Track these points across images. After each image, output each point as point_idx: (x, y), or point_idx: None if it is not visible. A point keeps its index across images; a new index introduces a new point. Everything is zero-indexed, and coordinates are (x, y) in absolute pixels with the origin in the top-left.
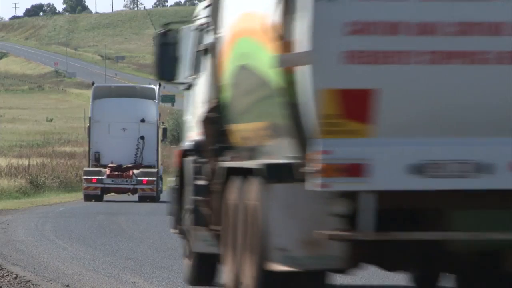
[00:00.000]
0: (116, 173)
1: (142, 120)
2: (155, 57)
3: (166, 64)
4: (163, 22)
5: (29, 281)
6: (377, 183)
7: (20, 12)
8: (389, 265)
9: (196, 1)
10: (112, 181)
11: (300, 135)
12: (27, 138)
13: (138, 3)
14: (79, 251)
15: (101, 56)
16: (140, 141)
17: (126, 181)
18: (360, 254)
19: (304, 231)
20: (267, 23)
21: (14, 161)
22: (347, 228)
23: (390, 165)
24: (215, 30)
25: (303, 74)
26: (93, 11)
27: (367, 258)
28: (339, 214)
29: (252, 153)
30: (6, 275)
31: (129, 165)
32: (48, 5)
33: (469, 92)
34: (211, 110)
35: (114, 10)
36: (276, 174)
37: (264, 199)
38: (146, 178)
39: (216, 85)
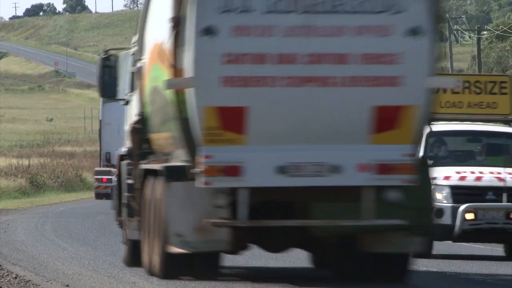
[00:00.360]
0: None
1: None
2: (98, 77)
3: (107, 83)
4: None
5: (29, 281)
6: (249, 181)
7: (20, 12)
8: (268, 247)
9: None
10: None
11: (190, 143)
12: (27, 138)
13: (138, 3)
14: (79, 251)
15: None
16: None
17: None
18: (241, 237)
19: (195, 220)
20: (166, 53)
21: (14, 161)
22: (227, 217)
23: (259, 166)
24: (140, 56)
25: (190, 95)
26: (93, 11)
27: (248, 241)
28: (221, 206)
29: (164, 157)
30: (6, 275)
31: None
32: (48, 5)
33: (321, 109)
34: (137, 122)
35: (114, 10)
36: (173, 174)
37: (165, 195)
38: None
39: (141, 102)
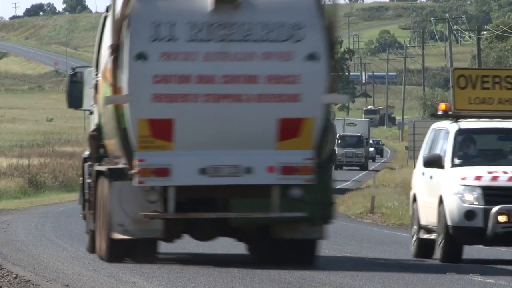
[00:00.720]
0: None
1: None
2: (66, 91)
3: (74, 96)
4: None
5: (29, 281)
6: (176, 180)
7: (20, 12)
8: (197, 236)
9: None
10: None
11: (127, 149)
12: (27, 138)
13: None
14: (79, 251)
15: None
16: None
17: None
18: (172, 227)
19: (133, 212)
20: (108, 73)
21: (14, 161)
22: (159, 210)
23: (184, 168)
24: (96, 74)
25: (126, 109)
26: (93, 11)
27: (179, 230)
28: (153, 201)
29: (115, 160)
30: (6, 275)
31: None
32: (48, 4)
33: (235, 120)
34: (94, 130)
35: None
36: (115, 175)
37: (109, 191)
38: None
39: (98, 113)
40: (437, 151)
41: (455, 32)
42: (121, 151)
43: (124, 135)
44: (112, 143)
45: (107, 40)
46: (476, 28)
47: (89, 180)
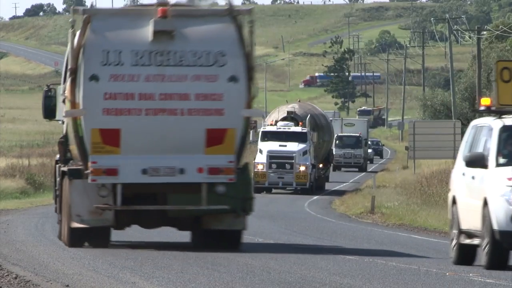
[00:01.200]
0: None
1: None
2: (42, 104)
3: (49, 108)
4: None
5: (29, 281)
6: (122, 179)
7: (20, 12)
8: (142, 225)
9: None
10: None
11: (84, 153)
12: (27, 138)
13: (138, 3)
14: (79, 251)
15: None
16: None
17: None
18: (121, 218)
19: (89, 205)
20: (68, 91)
21: (14, 161)
22: (109, 203)
23: (129, 169)
24: (64, 91)
25: (82, 121)
26: None
27: (127, 220)
28: (104, 196)
29: (78, 162)
30: (6, 275)
31: None
32: (48, 5)
33: (171, 130)
34: (62, 137)
35: None
36: (74, 174)
37: (69, 188)
38: None
39: (65, 122)
40: (479, 149)
41: (455, 32)
42: (79, 154)
43: (81, 141)
44: (74, 148)
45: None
46: (476, 28)
47: (58, 179)
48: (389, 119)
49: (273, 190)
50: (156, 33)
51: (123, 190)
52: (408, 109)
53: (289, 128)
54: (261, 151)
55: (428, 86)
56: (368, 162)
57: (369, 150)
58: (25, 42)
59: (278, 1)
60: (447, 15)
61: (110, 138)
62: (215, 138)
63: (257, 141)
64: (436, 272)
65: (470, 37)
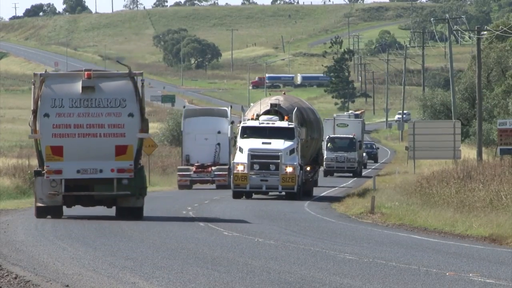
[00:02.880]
0: (200, 169)
1: (219, 132)
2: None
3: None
4: (162, 22)
5: (29, 281)
6: (65, 176)
7: (20, 12)
8: (83, 204)
9: (196, 2)
10: (197, 175)
11: (41, 160)
12: (27, 138)
13: (138, 3)
14: (79, 251)
15: (101, 56)
16: (217, 146)
17: (207, 175)
18: (67, 200)
19: (46, 192)
20: (31, 123)
21: (14, 161)
22: (58, 191)
23: (69, 170)
24: (29, 122)
25: (40, 141)
26: (93, 11)
27: (72, 201)
28: (55, 186)
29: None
30: (6, 275)
31: (209, 164)
32: (48, 5)
33: (94, 147)
34: (37, 150)
35: (114, 10)
36: (37, 173)
37: (35, 182)
38: (221, 172)
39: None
40: None
41: (455, 32)
42: (38, 161)
43: (39, 153)
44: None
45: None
46: (476, 28)
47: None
48: (389, 119)
49: (254, 195)
50: (84, 87)
51: (65, 183)
52: (408, 109)
53: (273, 123)
54: (241, 150)
55: (428, 86)
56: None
57: (363, 154)
58: (25, 42)
59: (278, 1)
60: (447, 15)
61: (57, 151)
62: (120, 151)
63: (235, 138)
64: (436, 272)
65: (470, 37)
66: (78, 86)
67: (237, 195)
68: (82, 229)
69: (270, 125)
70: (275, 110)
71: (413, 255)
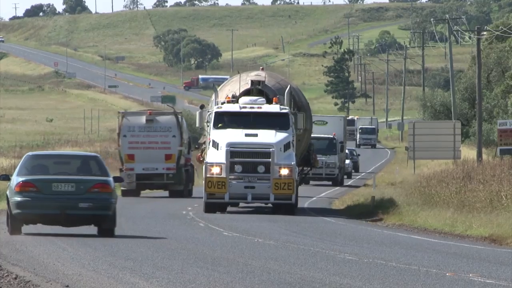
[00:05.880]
0: None
1: None
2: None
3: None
4: (163, 22)
5: (29, 281)
6: (135, 171)
7: (20, 13)
8: (148, 188)
9: (196, 2)
10: None
11: (123, 162)
12: (27, 138)
13: (138, 3)
14: (79, 252)
15: (101, 57)
16: None
17: None
18: (138, 186)
19: (126, 180)
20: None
21: (14, 162)
22: (132, 180)
23: (138, 168)
24: (117, 143)
25: (121, 151)
26: (93, 12)
27: (141, 187)
28: (130, 177)
29: None
30: (6, 276)
31: None
32: (48, 5)
33: (156, 154)
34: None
35: (114, 11)
36: (120, 170)
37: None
38: None
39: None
40: None
41: (455, 32)
42: (121, 163)
43: (121, 158)
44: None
45: None
46: (476, 28)
47: None
48: (389, 119)
49: (229, 208)
50: (147, 120)
51: (136, 176)
52: (408, 109)
53: (260, 107)
54: (215, 145)
55: (428, 87)
56: (345, 176)
57: (347, 161)
58: (25, 43)
59: (278, 2)
60: (447, 16)
61: (131, 157)
62: (168, 157)
63: (203, 129)
64: (436, 272)
65: (470, 37)
66: (143, 119)
67: (211, 207)
68: (82, 229)
69: (256, 109)
70: (258, 89)
71: (413, 255)
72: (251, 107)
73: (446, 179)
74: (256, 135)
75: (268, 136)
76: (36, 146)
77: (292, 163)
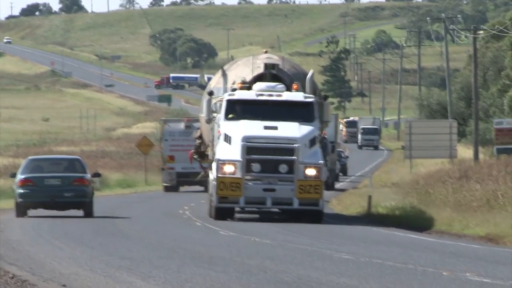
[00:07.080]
0: None
1: None
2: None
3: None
4: (159, 21)
5: (26, 280)
6: (176, 170)
7: (16, 12)
8: (186, 184)
9: (192, 1)
10: None
11: (165, 162)
12: (23, 137)
13: (134, 2)
14: (75, 251)
15: (97, 56)
16: None
17: None
18: (178, 183)
19: (168, 178)
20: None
21: (10, 161)
22: (173, 178)
23: (178, 168)
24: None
25: (163, 152)
26: (89, 11)
27: (181, 184)
28: (171, 175)
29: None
30: (3, 275)
31: None
32: (44, 4)
33: (187, 157)
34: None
35: (110, 10)
36: (162, 169)
37: (163, 174)
38: None
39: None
40: None
41: (451, 31)
42: (163, 163)
43: (163, 159)
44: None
45: None
46: (472, 27)
47: None
48: (386, 118)
49: (237, 215)
50: (186, 126)
51: (177, 174)
52: (404, 108)
53: (280, 95)
54: (228, 139)
55: (424, 86)
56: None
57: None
58: (21, 42)
59: (274, 1)
60: (443, 15)
61: (171, 158)
62: (201, 153)
63: (213, 119)
64: (433, 271)
65: (466, 36)
66: (182, 125)
67: (222, 213)
68: (79, 229)
69: (275, 98)
70: (272, 74)
71: (410, 254)
72: (269, 95)
73: (443, 178)
74: (276, 127)
75: (290, 130)
76: (33, 145)
77: (320, 161)
